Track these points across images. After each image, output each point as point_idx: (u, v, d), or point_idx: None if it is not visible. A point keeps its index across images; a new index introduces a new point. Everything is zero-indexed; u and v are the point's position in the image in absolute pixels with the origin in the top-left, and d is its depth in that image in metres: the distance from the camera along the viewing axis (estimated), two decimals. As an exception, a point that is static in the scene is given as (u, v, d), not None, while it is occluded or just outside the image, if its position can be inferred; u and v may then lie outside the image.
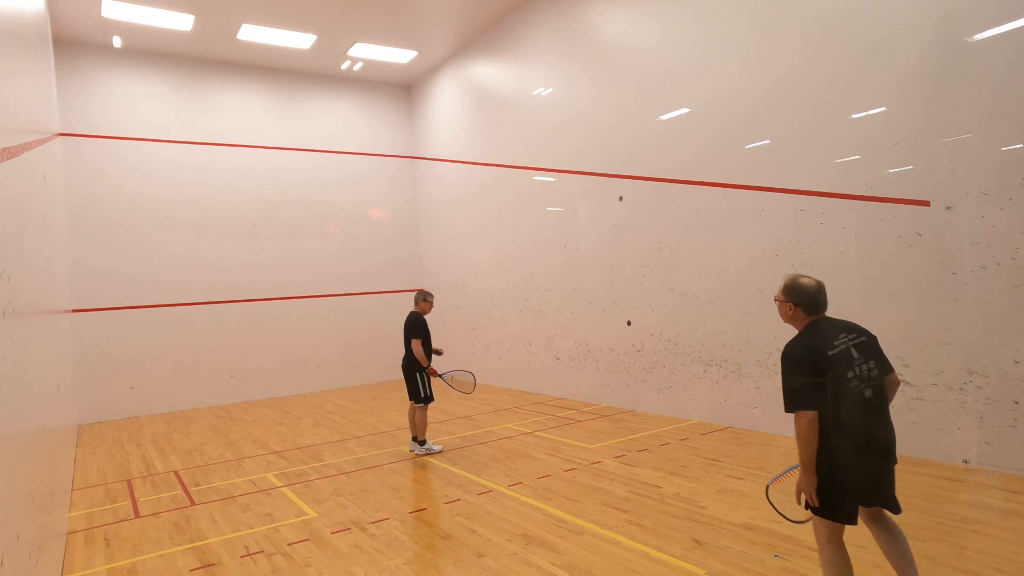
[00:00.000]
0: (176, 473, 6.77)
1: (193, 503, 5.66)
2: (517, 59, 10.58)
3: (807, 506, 2.79)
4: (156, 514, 5.40)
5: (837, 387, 2.67)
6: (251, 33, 10.68)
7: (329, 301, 12.77)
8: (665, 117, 7.88)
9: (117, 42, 10.68)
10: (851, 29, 5.89)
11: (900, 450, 5.61)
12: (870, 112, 5.79)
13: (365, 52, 11.80)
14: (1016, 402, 4.93)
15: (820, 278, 6.21)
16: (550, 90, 9.86)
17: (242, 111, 12.08)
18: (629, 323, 8.56)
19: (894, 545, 2.91)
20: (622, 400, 8.73)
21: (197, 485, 6.24)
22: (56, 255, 6.95)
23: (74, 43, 10.54)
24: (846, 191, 6.00)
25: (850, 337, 2.79)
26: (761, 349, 6.85)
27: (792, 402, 2.71)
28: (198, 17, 9.99)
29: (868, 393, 2.74)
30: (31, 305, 3.63)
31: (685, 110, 7.63)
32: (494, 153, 11.29)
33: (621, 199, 8.62)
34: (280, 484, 6.09)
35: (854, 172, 5.94)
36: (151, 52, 11.19)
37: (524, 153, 10.52)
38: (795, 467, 2.90)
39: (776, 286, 6.61)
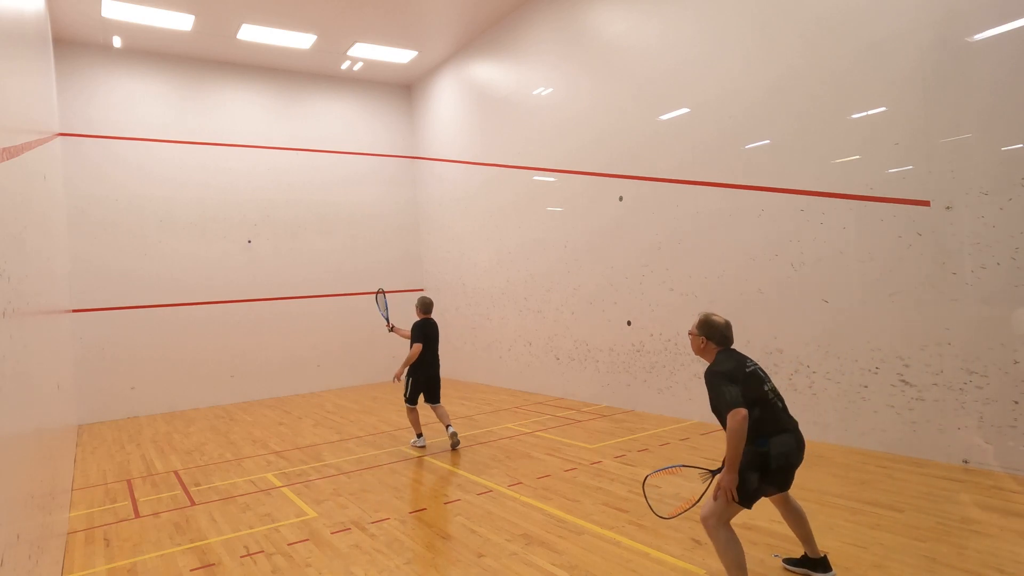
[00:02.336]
0: (176, 473, 6.77)
1: (193, 503, 5.66)
2: (517, 59, 10.58)
3: (737, 499, 3.29)
4: (156, 514, 5.40)
5: (760, 396, 3.31)
6: (251, 33, 10.68)
7: (329, 301, 12.77)
8: (665, 117, 7.88)
9: (117, 42, 10.68)
10: (851, 29, 5.89)
11: (900, 450, 5.67)
12: (870, 112, 5.79)
13: (365, 52, 11.80)
14: (1016, 402, 4.93)
15: (820, 278, 6.28)
16: (550, 90, 9.86)
17: (242, 111, 12.08)
18: (629, 323, 8.56)
19: (799, 521, 3.57)
20: (622, 400, 8.73)
21: (197, 485, 6.24)
22: (56, 255, 6.95)
23: (74, 43, 10.54)
24: (846, 191, 6.00)
25: (755, 362, 3.49)
26: (761, 349, 6.84)
27: (729, 403, 3.19)
28: (198, 17, 9.99)
29: (780, 404, 3.41)
30: (31, 305, 3.63)
31: (685, 110, 7.63)
32: (494, 153, 11.29)
33: (621, 199, 8.62)
34: (280, 484, 6.09)
35: (854, 172, 5.94)
36: (151, 52, 11.19)
37: (524, 153, 10.52)
38: (677, 467, 3.81)
39: (776, 286, 6.65)
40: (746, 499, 3.33)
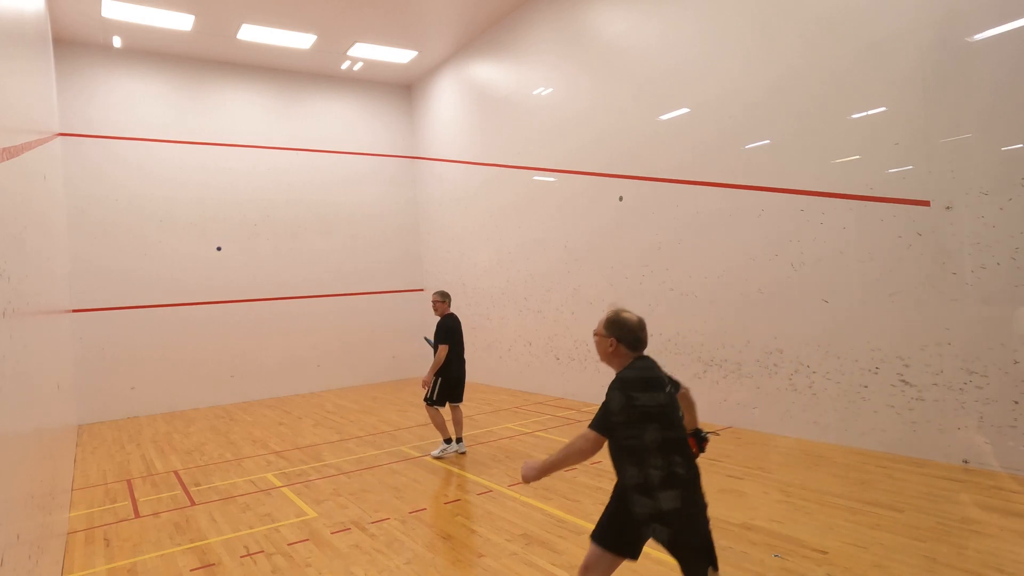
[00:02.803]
0: (176, 473, 6.77)
1: (193, 503, 5.66)
2: (517, 59, 10.58)
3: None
4: (156, 514, 5.40)
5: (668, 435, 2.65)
6: (251, 33, 10.68)
7: (329, 301, 12.77)
8: (665, 117, 7.88)
9: (117, 42, 10.68)
10: (851, 29, 5.89)
11: (900, 450, 5.66)
12: (870, 112, 5.79)
13: (365, 52, 11.80)
14: (1016, 402, 4.93)
15: (820, 278, 6.27)
16: (550, 90, 9.85)
17: (242, 111, 12.08)
18: (629, 323, 8.55)
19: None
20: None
21: (197, 485, 6.24)
22: (56, 255, 6.95)
23: (74, 43, 10.54)
24: (846, 191, 6.00)
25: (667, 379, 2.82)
26: (761, 349, 6.85)
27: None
28: (198, 17, 9.99)
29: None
30: (31, 305, 3.63)
31: (685, 110, 7.63)
32: (494, 153, 11.29)
33: (621, 199, 8.62)
34: (280, 484, 6.09)
35: (854, 172, 5.94)
36: (151, 52, 11.19)
37: (524, 153, 10.52)
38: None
39: (776, 286, 6.65)
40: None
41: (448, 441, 6.77)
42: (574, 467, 6.02)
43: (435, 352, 6.65)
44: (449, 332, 6.67)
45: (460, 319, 6.95)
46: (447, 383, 6.66)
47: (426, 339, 7.02)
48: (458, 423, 6.84)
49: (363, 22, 10.58)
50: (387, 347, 13.36)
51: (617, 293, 8.73)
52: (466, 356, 7.00)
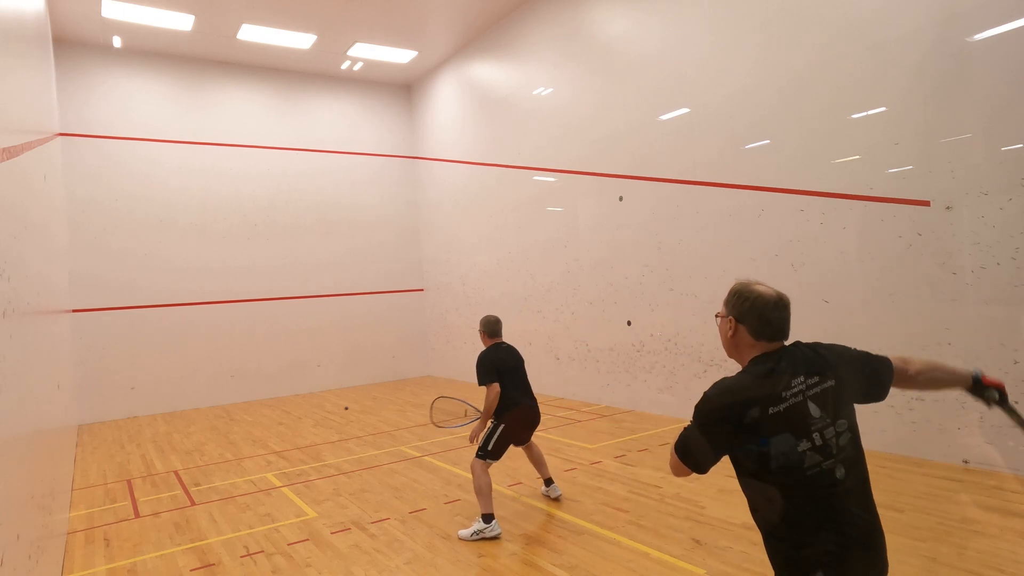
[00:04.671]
0: (176, 473, 6.77)
1: (193, 503, 5.66)
2: (517, 59, 10.58)
3: None
4: (156, 514, 5.40)
5: (787, 464, 1.75)
6: (251, 33, 10.68)
7: (329, 301, 12.77)
8: (665, 117, 7.88)
9: (117, 42, 10.67)
10: (852, 30, 5.89)
11: (901, 450, 5.65)
12: (870, 112, 5.79)
13: (365, 52, 11.80)
14: (1016, 402, 4.92)
15: (820, 278, 6.27)
16: (550, 90, 9.85)
17: (242, 111, 12.08)
18: (629, 323, 8.56)
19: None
20: (622, 400, 8.73)
21: (197, 485, 6.24)
22: (56, 255, 6.95)
23: (74, 43, 10.54)
24: (846, 191, 6.00)
25: (810, 381, 1.81)
26: (761, 349, 6.84)
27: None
28: (198, 17, 9.99)
29: (840, 473, 1.75)
30: (31, 305, 3.63)
31: (685, 110, 7.63)
32: (494, 153, 11.29)
33: (621, 199, 8.62)
34: (280, 484, 6.09)
35: (854, 172, 5.93)
36: (151, 52, 11.19)
37: (524, 153, 10.52)
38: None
39: (776, 286, 6.61)
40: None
41: (488, 519, 4.42)
42: (575, 467, 6.02)
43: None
44: (489, 368, 4.73)
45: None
46: (511, 428, 4.72)
47: (467, 407, 5.26)
48: (538, 459, 5.16)
49: (363, 22, 10.58)
50: (387, 347, 13.36)
51: (617, 293, 8.73)
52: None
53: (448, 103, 12.64)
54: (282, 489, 5.91)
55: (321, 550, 4.36)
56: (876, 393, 1.98)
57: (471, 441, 4.73)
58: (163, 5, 9.53)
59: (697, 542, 4.09)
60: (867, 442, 5.62)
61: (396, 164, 13.81)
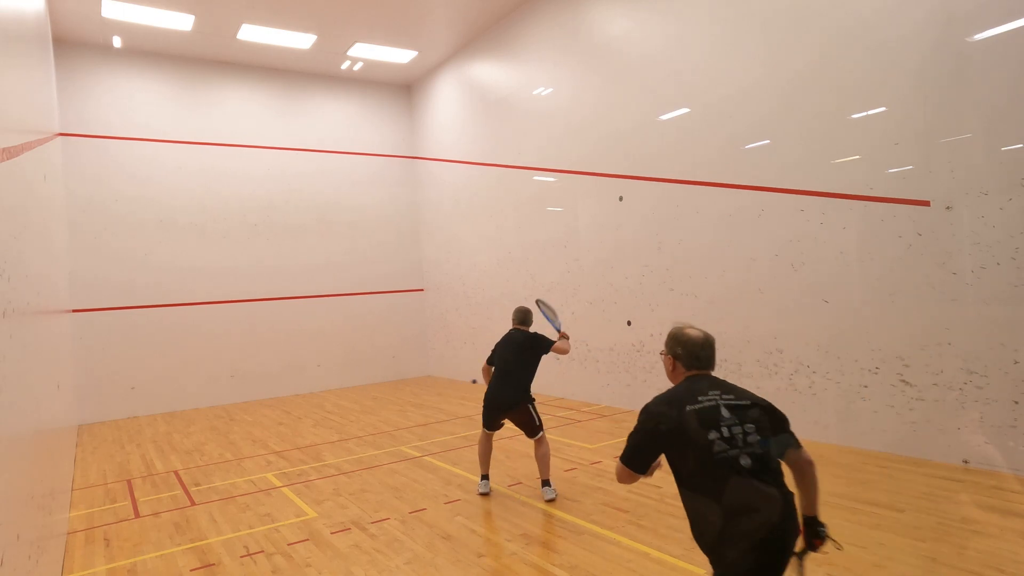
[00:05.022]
0: (176, 473, 6.77)
1: (193, 503, 5.66)
2: (517, 59, 10.58)
3: None
4: (156, 514, 5.40)
5: (700, 449, 2.18)
6: (251, 33, 10.68)
7: (329, 301, 12.77)
8: (665, 117, 7.88)
9: (117, 42, 10.67)
10: (852, 30, 5.89)
11: (900, 450, 5.65)
12: (870, 112, 5.79)
13: (365, 52, 11.80)
14: (1016, 402, 4.93)
15: (820, 279, 6.28)
16: (550, 90, 9.86)
17: (242, 111, 12.08)
18: (629, 323, 8.56)
19: None
20: (622, 400, 8.73)
21: (197, 485, 6.24)
22: (56, 255, 6.95)
23: (74, 43, 10.54)
24: (846, 191, 6.00)
25: (725, 396, 2.30)
26: (761, 349, 6.84)
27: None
28: (198, 17, 9.99)
29: (745, 461, 2.15)
30: (31, 305, 3.63)
31: (685, 110, 7.63)
32: (494, 153, 11.29)
33: (621, 199, 8.62)
34: (280, 484, 6.09)
35: (854, 172, 5.94)
36: (151, 52, 11.19)
37: (524, 153, 10.52)
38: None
39: (776, 286, 6.65)
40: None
41: (483, 478, 5.45)
42: (575, 467, 6.02)
43: None
44: (493, 350, 5.66)
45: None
46: (485, 404, 5.43)
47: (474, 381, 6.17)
48: (541, 459, 5.27)
49: (363, 22, 10.58)
50: (387, 347, 13.36)
51: (617, 293, 8.73)
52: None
53: (448, 103, 12.64)
54: (282, 489, 5.91)
55: (321, 550, 4.36)
56: (779, 445, 2.31)
57: None
58: (163, 5, 9.53)
59: (697, 542, 4.09)
60: (867, 442, 5.63)
61: (396, 164, 13.81)
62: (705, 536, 2.18)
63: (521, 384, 5.37)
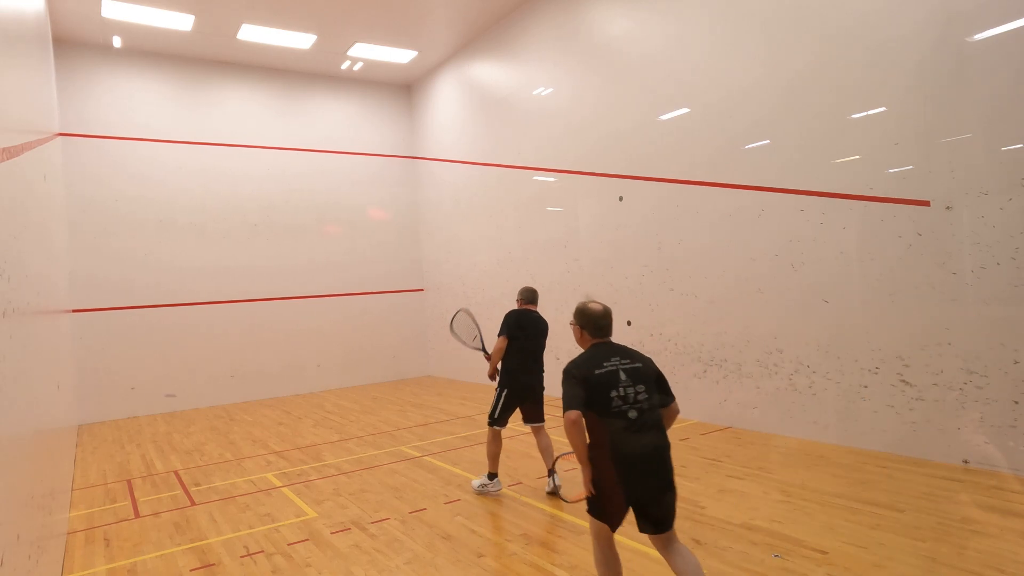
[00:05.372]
0: (176, 473, 6.77)
1: (193, 503, 5.66)
2: (517, 59, 10.58)
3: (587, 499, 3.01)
4: (156, 514, 5.40)
5: (602, 404, 2.92)
6: (251, 33, 10.68)
7: (329, 301, 12.77)
8: (665, 117, 7.88)
9: (117, 42, 10.68)
10: (852, 30, 5.89)
11: (900, 450, 5.65)
12: (870, 112, 5.79)
13: (365, 52, 11.80)
14: (1016, 402, 4.93)
15: (820, 278, 6.28)
16: (550, 90, 9.86)
17: (242, 111, 12.08)
18: (629, 323, 8.56)
19: (688, 573, 2.89)
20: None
21: (197, 485, 6.24)
22: (56, 255, 6.95)
23: (74, 43, 10.54)
24: (846, 191, 6.00)
25: (623, 362, 3.01)
26: (761, 349, 6.84)
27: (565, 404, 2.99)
28: (198, 17, 9.99)
29: (632, 414, 2.90)
30: (31, 305, 3.63)
31: (685, 110, 7.63)
32: (494, 153, 11.29)
33: (621, 199, 8.62)
34: (280, 484, 6.09)
35: (854, 172, 5.94)
36: (151, 52, 11.19)
37: (524, 153, 10.52)
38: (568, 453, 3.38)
39: (776, 286, 6.65)
40: (593, 510, 3.02)
41: (492, 476, 5.32)
42: (575, 467, 6.01)
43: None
44: (511, 324, 5.29)
45: (542, 320, 5.53)
46: (513, 394, 5.19)
47: (483, 351, 5.86)
48: (545, 450, 5.19)
49: (363, 22, 10.58)
50: (387, 347, 13.36)
51: (617, 293, 8.73)
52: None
53: (448, 103, 12.64)
54: (282, 489, 5.91)
55: (321, 550, 4.36)
56: (662, 399, 3.06)
57: (490, 378, 5.42)
58: (163, 5, 9.53)
59: (697, 542, 4.09)
60: (867, 442, 5.62)
61: (396, 164, 13.81)
62: (597, 458, 2.94)
63: (542, 370, 5.44)
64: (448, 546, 4.30)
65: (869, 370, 5.88)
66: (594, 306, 3.16)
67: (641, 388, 2.95)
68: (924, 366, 5.48)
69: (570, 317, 3.33)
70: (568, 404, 2.94)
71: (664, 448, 2.92)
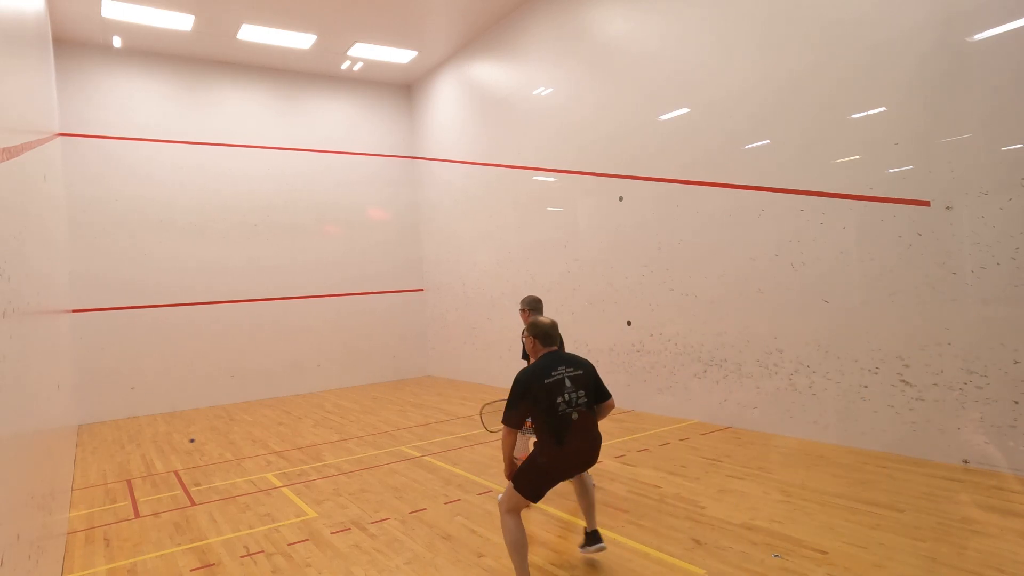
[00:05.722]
0: (176, 473, 6.77)
1: (193, 503, 5.66)
2: (517, 59, 10.58)
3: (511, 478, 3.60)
4: (156, 514, 5.40)
5: (549, 408, 3.44)
6: (251, 33, 10.68)
7: (329, 301, 12.77)
8: (665, 117, 7.88)
9: (117, 42, 10.68)
10: (852, 30, 5.89)
11: (900, 450, 5.66)
12: (870, 112, 5.79)
13: (365, 52, 11.80)
14: (1016, 402, 4.93)
15: (820, 278, 6.28)
16: (550, 90, 9.86)
17: (242, 111, 12.08)
18: (629, 323, 8.56)
19: (583, 492, 3.94)
20: (622, 400, 8.72)
21: (197, 485, 6.24)
22: (56, 255, 6.95)
23: (74, 43, 10.54)
24: (846, 191, 6.00)
25: (567, 370, 3.55)
26: (761, 349, 6.84)
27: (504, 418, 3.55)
28: (198, 17, 9.99)
29: (575, 416, 3.48)
30: (31, 305, 3.63)
31: (685, 110, 7.63)
32: (494, 153, 11.29)
33: (621, 199, 8.62)
34: (280, 484, 6.09)
35: (854, 172, 5.94)
36: (151, 52, 11.19)
37: (524, 153, 10.52)
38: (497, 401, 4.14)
39: (776, 286, 6.65)
40: (524, 490, 3.53)
41: None
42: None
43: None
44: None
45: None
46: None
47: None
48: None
49: (363, 22, 10.58)
50: (387, 347, 13.36)
51: (617, 293, 8.73)
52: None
53: (448, 103, 12.64)
54: (282, 489, 5.91)
55: (321, 550, 4.36)
56: (598, 397, 3.67)
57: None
58: (163, 5, 9.53)
59: (697, 542, 4.09)
60: (867, 442, 5.62)
61: (396, 164, 13.81)
62: (544, 454, 3.46)
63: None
64: (448, 546, 4.30)
65: (869, 370, 5.88)
66: (543, 320, 3.78)
67: (582, 393, 3.53)
68: (924, 366, 5.48)
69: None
70: (507, 419, 3.51)
71: (597, 442, 3.62)
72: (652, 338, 8.23)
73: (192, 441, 8.18)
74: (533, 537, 4.36)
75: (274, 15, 10.16)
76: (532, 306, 5.52)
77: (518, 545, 3.46)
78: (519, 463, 3.67)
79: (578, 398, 3.49)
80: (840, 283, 6.09)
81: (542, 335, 3.69)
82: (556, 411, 3.43)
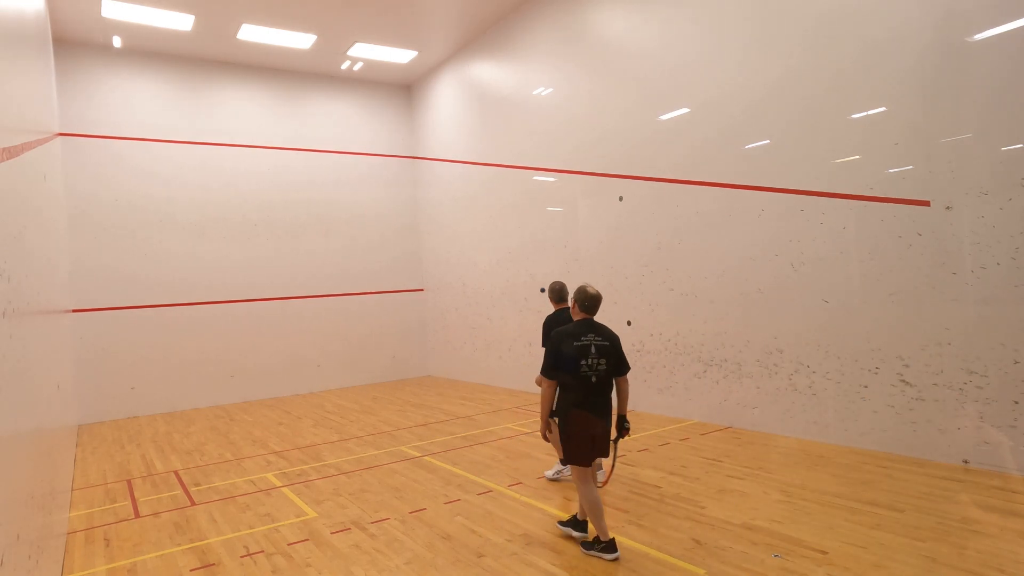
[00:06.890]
0: (176, 473, 6.77)
1: (193, 503, 5.66)
2: (517, 59, 10.58)
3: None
4: (156, 514, 5.40)
5: (574, 368, 3.94)
6: (251, 33, 10.68)
7: (329, 301, 12.77)
8: (665, 117, 7.88)
9: (117, 42, 10.67)
10: (851, 29, 5.89)
11: (900, 450, 5.67)
12: (870, 112, 5.79)
13: (365, 52, 11.80)
14: (1016, 402, 4.93)
15: (820, 278, 6.30)
16: (550, 90, 9.86)
17: (242, 111, 12.08)
18: (629, 323, 8.56)
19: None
20: (622, 400, 8.72)
21: (197, 485, 6.24)
22: (56, 255, 6.95)
23: (74, 43, 10.54)
24: (846, 191, 6.00)
25: (596, 338, 4.00)
26: (761, 349, 6.84)
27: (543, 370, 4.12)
28: (198, 17, 9.99)
29: (593, 379, 3.96)
30: (31, 305, 3.63)
31: (685, 110, 7.63)
32: (494, 153, 11.29)
33: (621, 199, 8.62)
34: (280, 484, 6.09)
35: (854, 172, 5.94)
36: (151, 52, 11.19)
37: (524, 153, 10.52)
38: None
39: (776, 286, 6.65)
40: (570, 458, 4.05)
41: (563, 462, 5.10)
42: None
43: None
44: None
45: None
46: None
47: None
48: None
49: (363, 22, 10.58)
50: (387, 347, 13.36)
51: (617, 293, 8.73)
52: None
53: (448, 103, 12.64)
54: (282, 489, 5.91)
55: (321, 550, 4.36)
56: (617, 371, 4.11)
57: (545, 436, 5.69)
58: (163, 5, 9.53)
59: (697, 542, 4.09)
60: (867, 442, 5.61)
61: (396, 164, 13.81)
62: (569, 423, 3.98)
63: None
64: (448, 546, 4.30)
65: (869, 370, 5.88)
66: (591, 290, 4.16)
67: (603, 361, 3.98)
68: (924, 366, 5.48)
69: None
70: (545, 371, 4.07)
71: (609, 403, 4.07)
72: (652, 338, 8.23)
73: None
74: (531, 536, 4.36)
75: (274, 15, 10.16)
76: (559, 295, 5.80)
77: (594, 507, 3.95)
78: (552, 431, 4.32)
79: (599, 364, 3.94)
80: (840, 283, 6.09)
81: (585, 301, 4.13)
82: (579, 372, 3.91)
